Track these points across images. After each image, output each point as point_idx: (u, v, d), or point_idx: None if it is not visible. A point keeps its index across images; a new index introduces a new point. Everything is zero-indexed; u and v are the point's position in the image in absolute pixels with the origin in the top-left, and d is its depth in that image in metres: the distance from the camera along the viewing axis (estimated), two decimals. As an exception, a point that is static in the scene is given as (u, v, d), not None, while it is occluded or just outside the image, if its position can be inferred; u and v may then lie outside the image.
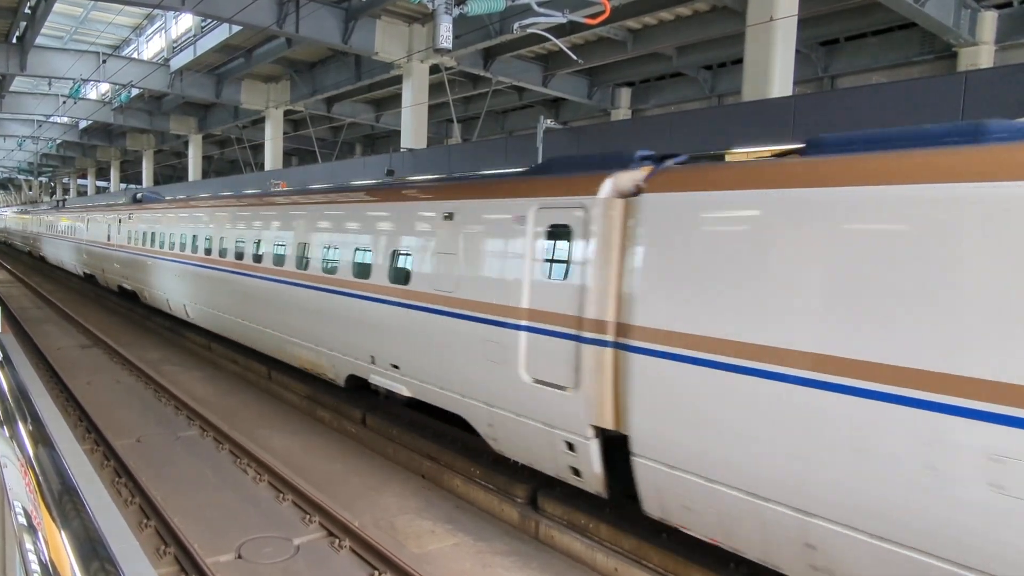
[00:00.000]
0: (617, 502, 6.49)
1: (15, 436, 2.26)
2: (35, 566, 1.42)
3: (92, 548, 1.44)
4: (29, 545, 1.49)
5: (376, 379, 8.96)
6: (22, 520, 1.59)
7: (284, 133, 28.45)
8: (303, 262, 10.62)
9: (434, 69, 19.62)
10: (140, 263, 18.96)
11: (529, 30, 9.54)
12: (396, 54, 18.52)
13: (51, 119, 34.03)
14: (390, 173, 18.03)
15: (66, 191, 67.59)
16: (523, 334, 6.54)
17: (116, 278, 21.93)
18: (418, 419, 9.59)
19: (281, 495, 7.69)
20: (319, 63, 23.64)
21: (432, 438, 8.87)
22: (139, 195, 22.18)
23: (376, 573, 6.08)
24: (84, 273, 26.58)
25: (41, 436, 2.20)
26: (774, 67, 11.51)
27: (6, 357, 4.52)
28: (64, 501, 1.67)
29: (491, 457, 7.89)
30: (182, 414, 10.73)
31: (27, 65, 21.99)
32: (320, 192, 12.55)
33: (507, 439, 7.06)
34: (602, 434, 5.98)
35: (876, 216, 4.21)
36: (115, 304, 22.59)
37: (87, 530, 1.50)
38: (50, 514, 1.62)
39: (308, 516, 7.16)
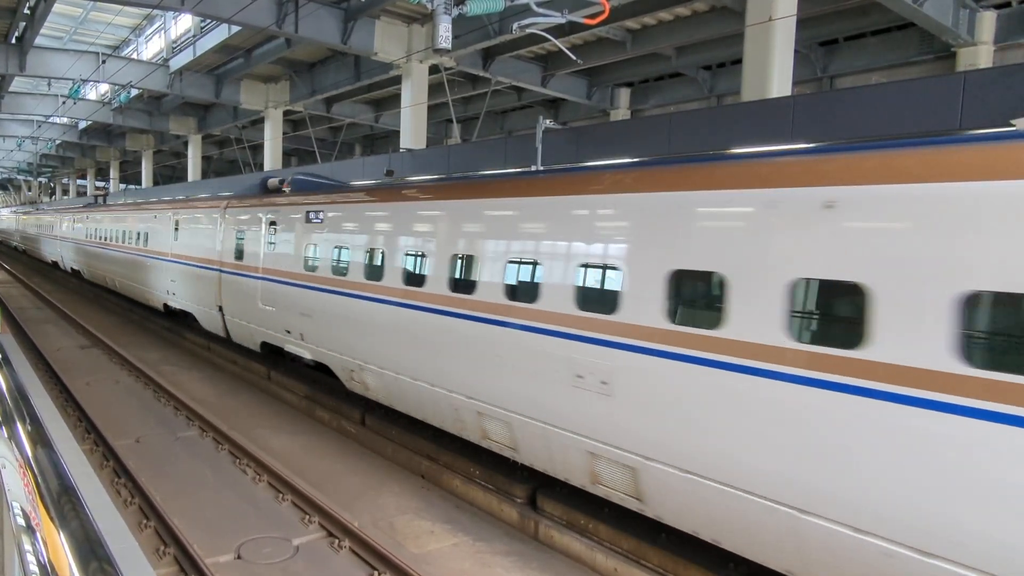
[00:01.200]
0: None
1: (14, 437, 2.26)
2: (33, 567, 1.42)
3: (91, 548, 1.44)
4: (28, 546, 1.49)
5: None
6: (21, 521, 1.59)
7: (283, 133, 28.43)
8: None
9: (433, 69, 19.61)
10: (379, 320, 8.89)
11: (528, 30, 9.53)
12: (395, 54, 18.52)
13: (50, 119, 34.00)
14: (389, 174, 18.02)
15: (65, 192, 67.55)
16: None
17: (271, 331, 11.80)
18: (417, 419, 9.58)
19: (280, 495, 7.69)
20: (318, 63, 23.63)
21: (431, 438, 8.86)
22: (286, 181, 12.86)
23: (375, 573, 6.09)
24: (172, 309, 17.06)
25: (40, 437, 2.19)
26: (773, 67, 11.52)
27: (5, 358, 4.52)
28: (63, 502, 1.67)
29: (490, 457, 7.88)
30: (181, 414, 10.73)
31: (26, 65, 21.95)
32: None
33: None
34: None
35: None
36: (114, 305, 22.57)
37: (85, 531, 1.50)
38: (48, 515, 1.62)
39: (307, 516, 7.16)
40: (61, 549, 1.46)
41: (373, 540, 6.41)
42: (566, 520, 6.91)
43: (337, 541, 6.63)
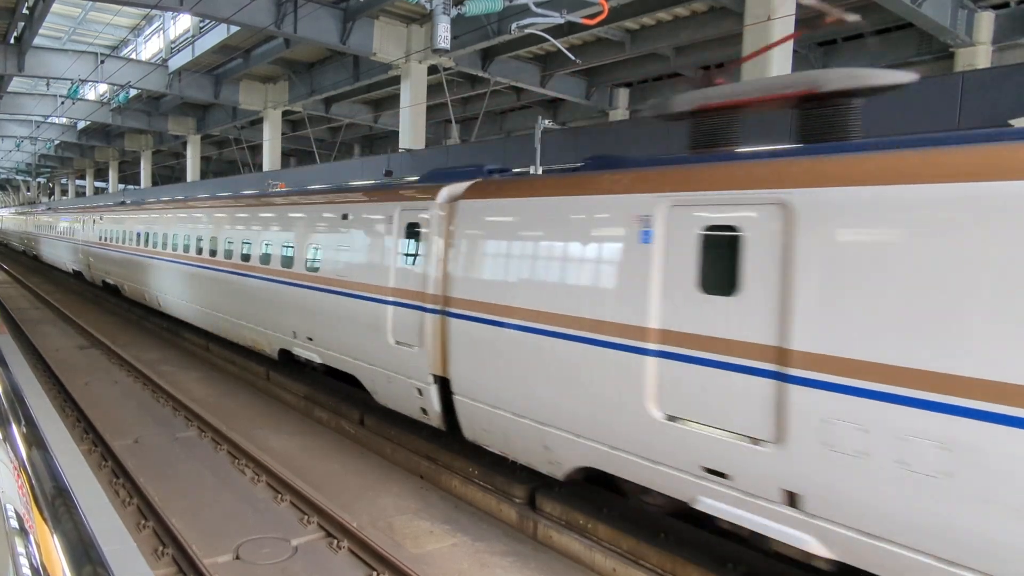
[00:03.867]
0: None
1: (8, 438, 2.25)
2: (26, 570, 1.41)
3: (84, 551, 1.44)
4: (21, 549, 1.48)
5: None
6: (14, 523, 1.58)
7: (282, 133, 28.42)
8: None
9: (432, 70, 19.61)
10: None
11: (527, 31, 9.54)
12: (394, 55, 18.52)
13: (49, 120, 34.00)
14: (388, 174, 18.00)
15: (64, 192, 67.54)
16: None
17: None
18: (415, 420, 9.57)
19: (279, 496, 7.68)
20: (317, 64, 23.64)
21: (430, 438, 8.85)
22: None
23: (374, 574, 6.08)
24: None
25: (35, 438, 2.19)
26: (771, 67, 11.52)
27: (1, 359, 4.51)
28: (57, 504, 1.66)
29: (489, 457, 7.89)
30: (180, 415, 10.72)
31: (25, 65, 21.95)
32: None
33: None
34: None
35: None
36: (113, 305, 22.54)
37: (79, 533, 1.50)
38: (42, 517, 1.61)
39: (306, 517, 7.15)
40: (54, 552, 1.45)
41: (372, 540, 6.40)
42: (565, 520, 6.90)
43: (336, 541, 6.62)
